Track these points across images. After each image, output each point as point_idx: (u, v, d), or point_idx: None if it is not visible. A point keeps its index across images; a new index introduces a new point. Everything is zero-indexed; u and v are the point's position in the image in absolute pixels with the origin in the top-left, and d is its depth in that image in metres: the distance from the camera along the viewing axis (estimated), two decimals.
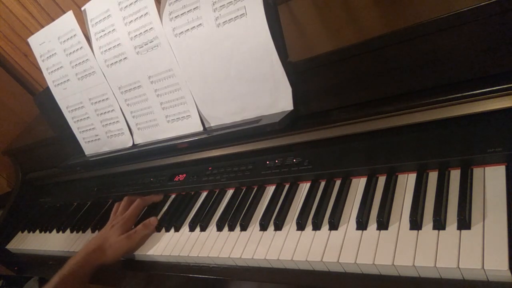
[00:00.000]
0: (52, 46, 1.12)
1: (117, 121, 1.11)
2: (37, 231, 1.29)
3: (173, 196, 1.03)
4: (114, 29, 0.99)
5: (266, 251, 0.73)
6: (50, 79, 1.17)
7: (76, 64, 1.09)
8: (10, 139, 1.63)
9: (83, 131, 1.19)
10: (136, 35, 0.95)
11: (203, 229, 0.87)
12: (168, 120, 1.01)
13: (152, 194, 1.06)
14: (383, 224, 0.65)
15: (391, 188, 0.69)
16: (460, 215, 0.58)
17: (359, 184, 0.75)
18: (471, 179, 0.63)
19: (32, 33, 1.15)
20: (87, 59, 1.06)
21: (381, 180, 0.72)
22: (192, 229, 0.89)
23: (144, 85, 1.00)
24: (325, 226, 0.71)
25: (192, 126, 0.97)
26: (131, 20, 0.95)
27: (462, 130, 0.66)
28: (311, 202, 0.77)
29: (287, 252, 0.71)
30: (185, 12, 0.87)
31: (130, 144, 1.11)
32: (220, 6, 0.82)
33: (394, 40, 0.67)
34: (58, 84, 1.16)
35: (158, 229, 0.95)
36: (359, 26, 0.84)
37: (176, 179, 1.04)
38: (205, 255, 0.80)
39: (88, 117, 1.16)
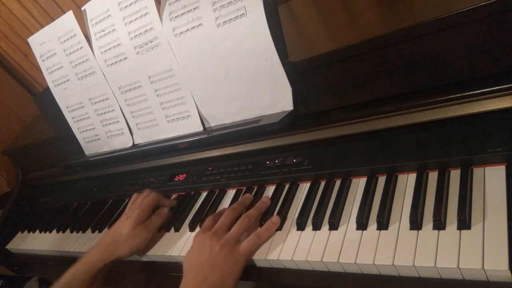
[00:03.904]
0: (52, 46, 1.12)
1: (117, 121, 1.11)
2: (37, 231, 1.29)
3: (173, 196, 1.03)
4: (114, 29, 0.99)
5: (266, 251, 0.73)
6: (50, 79, 1.17)
7: (76, 64, 1.09)
8: (10, 139, 1.63)
9: (83, 131, 1.20)
10: (136, 35, 0.95)
11: None
12: (168, 120, 1.01)
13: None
14: (383, 224, 0.65)
15: (391, 188, 0.69)
16: (460, 215, 0.58)
17: (359, 184, 0.75)
18: (471, 179, 0.63)
19: (32, 33, 1.15)
20: (87, 59, 1.06)
21: (381, 180, 0.72)
22: (192, 229, 0.89)
23: (144, 85, 1.01)
24: (325, 226, 0.71)
25: (192, 126, 0.97)
26: (131, 20, 0.95)
27: (462, 130, 0.66)
28: (311, 202, 0.77)
29: (287, 252, 0.71)
30: (185, 12, 0.87)
31: (130, 144, 1.11)
32: (220, 6, 0.82)
33: (394, 40, 0.67)
34: (58, 84, 1.16)
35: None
36: (359, 26, 0.84)
37: (176, 179, 1.04)
38: None
39: (88, 117, 1.16)
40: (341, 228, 0.69)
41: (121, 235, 0.87)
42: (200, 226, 0.87)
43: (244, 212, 0.81)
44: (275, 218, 0.76)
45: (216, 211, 0.89)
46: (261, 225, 0.77)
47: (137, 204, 0.93)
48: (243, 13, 0.80)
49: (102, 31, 1.01)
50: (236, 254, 0.72)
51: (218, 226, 0.77)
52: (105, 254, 0.86)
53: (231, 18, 0.81)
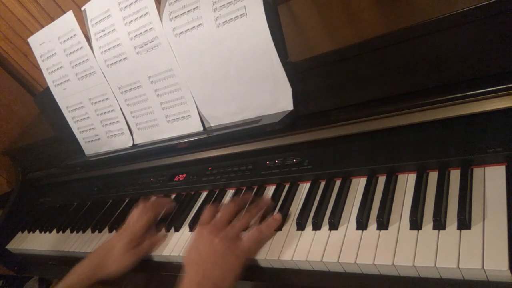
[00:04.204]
0: (52, 46, 1.12)
1: (117, 121, 1.11)
2: (37, 231, 1.29)
3: (173, 196, 1.03)
4: (114, 29, 0.99)
5: (266, 251, 0.73)
6: (50, 79, 1.17)
7: (76, 64, 1.09)
8: (10, 139, 1.63)
9: (83, 131, 1.20)
10: (136, 35, 0.95)
11: None
12: (168, 120, 1.01)
13: (158, 197, 1.03)
14: (383, 224, 0.65)
15: (391, 188, 0.70)
16: (460, 215, 0.58)
17: (359, 184, 0.75)
18: (471, 179, 0.63)
19: (32, 33, 1.15)
20: (87, 59, 1.06)
21: (381, 180, 0.72)
22: (192, 229, 0.89)
23: (144, 85, 1.00)
24: (325, 226, 0.71)
25: (192, 126, 0.97)
26: (131, 20, 0.95)
27: (462, 130, 0.66)
28: (311, 202, 0.77)
29: (287, 252, 0.71)
30: (185, 12, 0.87)
31: (130, 144, 1.11)
32: (220, 6, 0.82)
33: (394, 40, 0.67)
34: (58, 84, 1.16)
35: (158, 229, 0.95)
36: (359, 26, 0.84)
37: (176, 179, 1.04)
38: None
39: (88, 117, 1.16)
40: (341, 228, 0.69)
41: (110, 257, 0.88)
42: None
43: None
44: (277, 215, 0.76)
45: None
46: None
47: (132, 225, 0.92)
48: (243, 13, 0.80)
49: (102, 31, 1.01)
50: (237, 248, 0.71)
51: (218, 219, 0.76)
52: (92, 273, 0.86)
53: (231, 18, 0.81)
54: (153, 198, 1.06)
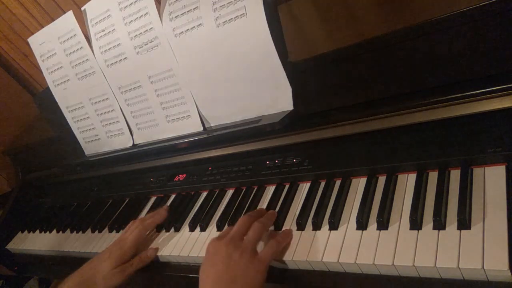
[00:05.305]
0: (52, 46, 1.12)
1: (117, 121, 1.11)
2: (37, 231, 1.29)
3: (173, 196, 1.03)
4: (114, 29, 0.99)
5: None
6: (50, 79, 1.17)
7: (76, 64, 1.09)
8: (10, 139, 1.63)
9: (83, 131, 1.20)
10: (136, 35, 0.95)
11: (203, 229, 0.87)
12: (168, 120, 1.01)
13: (156, 210, 0.98)
14: (383, 224, 0.65)
15: (391, 188, 0.69)
16: (460, 215, 0.58)
17: (359, 184, 0.75)
18: (471, 179, 0.63)
19: (32, 33, 1.15)
20: (87, 59, 1.06)
21: (381, 180, 0.72)
22: (192, 229, 0.89)
23: (144, 85, 1.01)
24: (325, 226, 0.71)
25: (192, 126, 0.97)
26: (131, 20, 0.95)
27: (462, 130, 0.66)
28: (311, 202, 0.77)
29: (287, 252, 0.71)
30: (185, 12, 0.87)
31: (130, 144, 1.11)
32: (220, 6, 0.82)
33: (394, 40, 0.67)
34: (58, 84, 1.16)
35: (158, 229, 0.95)
36: (359, 26, 0.84)
37: (176, 179, 1.04)
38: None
39: (88, 117, 1.16)
40: (341, 228, 0.69)
41: (98, 273, 0.85)
42: (200, 226, 0.87)
43: None
44: (288, 229, 0.74)
45: (216, 211, 0.90)
46: None
47: (122, 242, 0.89)
48: (243, 13, 0.80)
49: (102, 31, 1.01)
50: (257, 262, 0.66)
51: (234, 232, 0.70)
52: None
53: (231, 18, 0.81)
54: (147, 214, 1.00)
